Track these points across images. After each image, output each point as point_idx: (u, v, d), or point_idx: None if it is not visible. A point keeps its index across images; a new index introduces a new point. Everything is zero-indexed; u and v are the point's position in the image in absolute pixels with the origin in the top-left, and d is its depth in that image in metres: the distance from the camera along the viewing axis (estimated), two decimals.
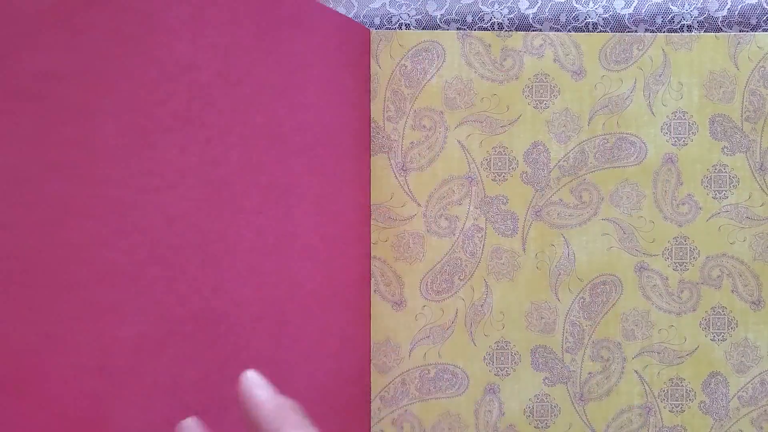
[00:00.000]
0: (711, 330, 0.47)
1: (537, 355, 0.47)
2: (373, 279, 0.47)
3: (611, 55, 0.47)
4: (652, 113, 0.47)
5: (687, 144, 0.47)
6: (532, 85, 0.47)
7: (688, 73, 0.47)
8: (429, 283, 0.47)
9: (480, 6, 0.48)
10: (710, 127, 0.48)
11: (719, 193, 0.48)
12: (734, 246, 0.47)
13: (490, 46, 0.47)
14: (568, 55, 0.47)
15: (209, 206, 0.39)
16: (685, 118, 0.47)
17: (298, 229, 0.44)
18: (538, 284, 0.47)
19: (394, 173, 0.47)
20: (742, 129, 0.47)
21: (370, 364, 0.47)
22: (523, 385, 0.47)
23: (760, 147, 0.47)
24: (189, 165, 0.37)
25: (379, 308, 0.47)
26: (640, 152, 0.47)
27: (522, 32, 0.47)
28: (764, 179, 0.48)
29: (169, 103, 0.35)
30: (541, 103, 0.47)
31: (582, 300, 0.47)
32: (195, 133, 0.38)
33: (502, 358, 0.47)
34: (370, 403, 0.47)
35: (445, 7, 0.48)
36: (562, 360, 0.47)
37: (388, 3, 0.48)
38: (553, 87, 0.47)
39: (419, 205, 0.47)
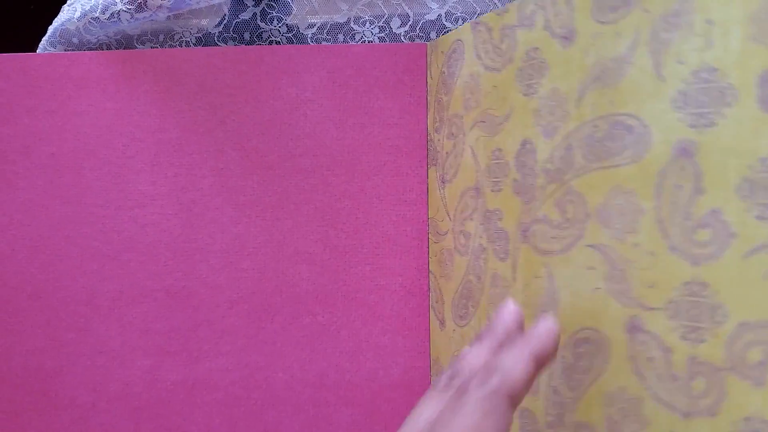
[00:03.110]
0: None
1: (524, 419, 0.36)
2: (431, 294, 0.45)
3: (606, 0, 0.31)
4: (661, 77, 0.29)
5: (716, 124, 0.27)
6: (523, 68, 0.36)
7: (722, 3, 0.27)
8: (456, 306, 0.42)
9: None
10: (759, 91, 0.26)
11: None
12: None
13: (491, 29, 0.38)
14: (558, 15, 0.34)
15: (281, 217, 0.46)
16: (714, 80, 0.27)
17: (359, 241, 0.46)
18: (527, 325, 0.35)
19: (438, 186, 0.44)
20: None
21: (430, 379, 0.45)
22: None
23: None
24: (286, 180, 0.46)
25: (434, 325, 0.45)
26: (640, 141, 0.30)
27: (516, 2, 0.36)
28: None
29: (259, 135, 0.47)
30: (530, 88, 0.35)
31: (563, 359, 0.33)
32: (287, 148, 0.46)
33: None
34: None
35: None
36: None
37: (444, 16, 0.44)
38: (542, 63, 0.35)
39: (450, 219, 0.42)
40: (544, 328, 0.28)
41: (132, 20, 0.45)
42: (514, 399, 0.25)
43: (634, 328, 0.30)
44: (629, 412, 0.30)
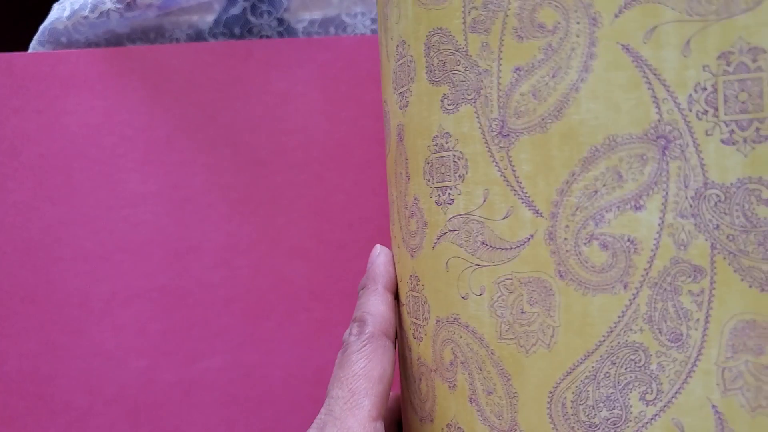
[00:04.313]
0: None
1: None
2: None
3: None
4: (388, 58, 0.27)
5: (409, 103, 0.25)
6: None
7: None
8: None
9: None
10: (426, 60, 0.24)
11: (443, 194, 0.23)
12: (469, 304, 0.22)
13: None
14: None
15: (256, 210, 0.44)
16: (404, 53, 0.25)
17: (354, 235, 0.45)
18: None
19: None
20: (466, 50, 0.22)
21: None
22: None
23: (498, 85, 0.21)
24: (262, 174, 0.44)
25: None
26: (389, 128, 0.28)
27: None
28: (508, 155, 0.20)
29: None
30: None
31: None
32: (254, 145, 0.44)
33: None
34: None
35: None
36: None
37: None
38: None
39: None
40: (378, 259, 0.28)
41: (121, 19, 0.45)
42: (389, 333, 0.26)
43: (399, 325, 0.28)
44: (404, 415, 0.28)
